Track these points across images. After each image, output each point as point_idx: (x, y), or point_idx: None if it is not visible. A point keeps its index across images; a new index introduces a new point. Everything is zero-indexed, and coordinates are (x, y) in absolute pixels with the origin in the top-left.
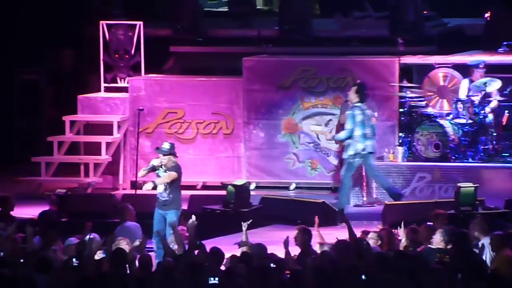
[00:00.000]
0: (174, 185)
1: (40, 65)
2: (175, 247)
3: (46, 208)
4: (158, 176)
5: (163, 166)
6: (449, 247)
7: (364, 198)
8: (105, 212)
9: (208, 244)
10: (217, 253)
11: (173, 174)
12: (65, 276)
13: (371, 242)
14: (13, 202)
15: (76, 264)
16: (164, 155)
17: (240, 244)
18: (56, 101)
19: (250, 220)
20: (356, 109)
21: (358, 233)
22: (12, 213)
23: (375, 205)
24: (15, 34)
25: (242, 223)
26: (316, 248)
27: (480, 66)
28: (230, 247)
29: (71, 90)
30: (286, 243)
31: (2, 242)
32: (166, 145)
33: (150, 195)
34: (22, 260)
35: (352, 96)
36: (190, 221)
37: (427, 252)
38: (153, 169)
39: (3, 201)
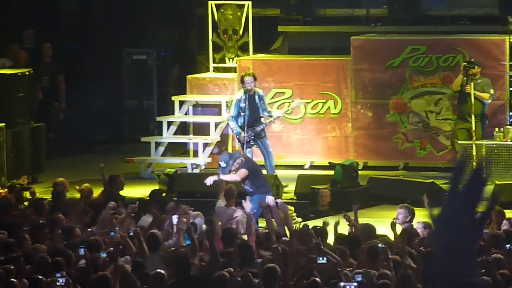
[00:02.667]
0: (251, 178)
1: (149, 46)
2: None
3: (155, 188)
4: None
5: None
6: None
7: None
8: (214, 192)
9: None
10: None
11: (243, 172)
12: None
13: None
14: (122, 182)
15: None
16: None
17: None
18: (165, 81)
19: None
20: None
21: None
22: (121, 192)
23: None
24: (125, 15)
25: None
26: (415, 226)
27: None
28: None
29: (181, 70)
30: (393, 225)
31: (110, 221)
32: (222, 164)
33: None
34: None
35: None
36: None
37: None
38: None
39: (112, 181)
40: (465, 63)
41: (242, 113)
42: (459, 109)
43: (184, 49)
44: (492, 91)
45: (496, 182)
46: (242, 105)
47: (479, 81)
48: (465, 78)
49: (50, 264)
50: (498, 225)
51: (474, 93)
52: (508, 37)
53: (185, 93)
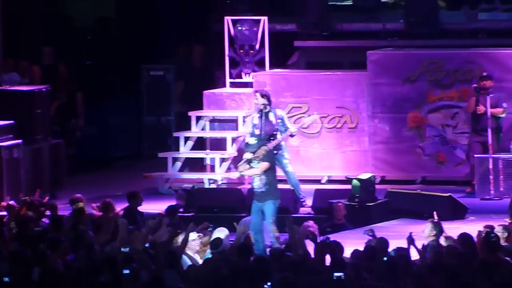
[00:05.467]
0: (269, 175)
1: (168, 61)
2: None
3: (173, 203)
4: (252, 167)
5: (256, 158)
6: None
7: (492, 191)
8: (232, 206)
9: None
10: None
11: (264, 165)
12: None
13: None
14: (141, 198)
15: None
16: (252, 152)
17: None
18: (183, 96)
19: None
20: None
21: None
22: (140, 208)
23: (502, 198)
24: (143, 31)
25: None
26: (442, 241)
27: None
28: (355, 241)
29: (198, 86)
30: (410, 240)
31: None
32: (252, 141)
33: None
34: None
35: None
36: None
37: None
38: (249, 162)
39: (131, 197)
40: (475, 85)
41: (257, 129)
42: (473, 123)
43: (202, 65)
44: (505, 104)
45: None
46: (256, 122)
47: (491, 95)
48: (477, 100)
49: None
50: None
51: (488, 110)
52: None
53: (193, 109)
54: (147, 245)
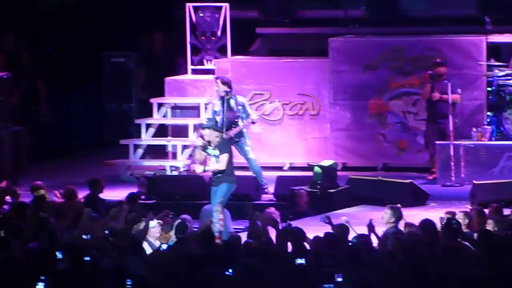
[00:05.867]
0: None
1: (129, 48)
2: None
3: (135, 190)
4: (209, 154)
5: (211, 144)
6: None
7: (453, 178)
8: (194, 193)
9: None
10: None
11: (225, 158)
12: (158, 258)
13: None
14: (102, 185)
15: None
16: (203, 128)
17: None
18: (145, 84)
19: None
20: None
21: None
22: (101, 195)
23: (463, 184)
24: (104, 18)
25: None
26: (401, 227)
27: None
28: (317, 227)
29: (159, 73)
30: (370, 227)
31: (91, 225)
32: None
33: (242, 176)
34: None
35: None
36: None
37: None
38: (204, 149)
39: (93, 184)
40: (430, 72)
41: (217, 116)
42: (429, 110)
43: (163, 52)
44: (459, 90)
45: (474, 182)
46: (217, 109)
47: (445, 81)
48: (432, 86)
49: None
50: (480, 225)
51: (444, 96)
52: (486, 37)
53: (155, 96)
54: (107, 232)
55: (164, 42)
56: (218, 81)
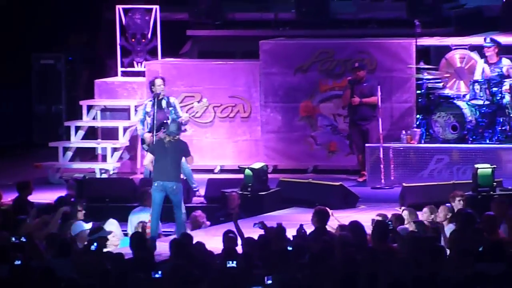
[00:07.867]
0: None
1: (58, 50)
2: None
3: (64, 193)
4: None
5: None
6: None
7: (382, 181)
8: (124, 197)
9: (226, 228)
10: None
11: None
12: (86, 260)
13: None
14: (31, 187)
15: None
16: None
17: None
18: (74, 85)
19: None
20: None
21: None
22: (30, 198)
23: (393, 187)
24: (33, 20)
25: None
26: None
27: (486, 41)
28: (248, 230)
29: (89, 75)
30: (300, 231)
31: (20, 227)
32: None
33: None
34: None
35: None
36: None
37: None
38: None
39: (21, 186)
40: (350, 78)
41: (149, 117)
42: (350, 114)
43: (92, 54)
44: (379, 93)
45: (404, 184)
46: (148, 109)
47: (364, 84)
48: (352, 91)
49: None
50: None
51: (363, 100)
52: (415, 40)
53: (94, 98)
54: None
55: (92, 44)
56: (161, 80)
